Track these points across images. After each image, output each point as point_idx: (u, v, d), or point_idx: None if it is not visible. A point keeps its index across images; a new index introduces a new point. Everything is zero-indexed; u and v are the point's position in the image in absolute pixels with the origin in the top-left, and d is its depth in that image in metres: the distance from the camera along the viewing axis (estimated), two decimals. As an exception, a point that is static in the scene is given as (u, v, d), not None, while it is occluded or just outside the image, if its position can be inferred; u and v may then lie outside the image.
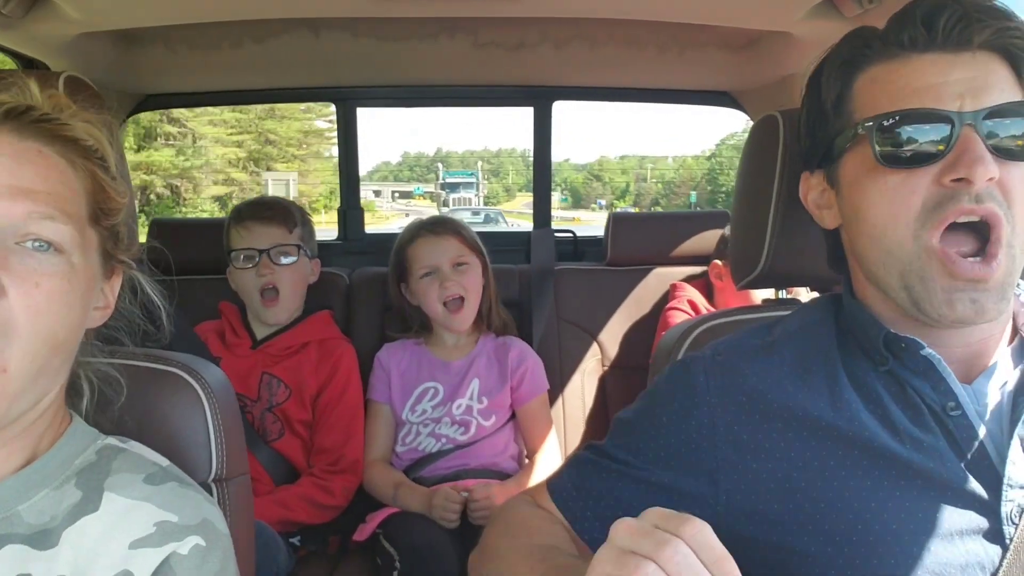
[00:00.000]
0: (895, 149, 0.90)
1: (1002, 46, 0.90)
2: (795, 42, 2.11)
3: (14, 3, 1.73)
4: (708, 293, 2.58)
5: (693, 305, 2.48)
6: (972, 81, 0.89)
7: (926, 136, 0.89)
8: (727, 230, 2.53)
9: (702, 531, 0.70)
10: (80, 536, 0.87)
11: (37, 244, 0.82)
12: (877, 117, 0.92)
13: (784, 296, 1.52)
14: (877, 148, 0.91)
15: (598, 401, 2.62)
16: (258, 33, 2.48)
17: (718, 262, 2.53)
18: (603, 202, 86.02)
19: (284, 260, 2.26)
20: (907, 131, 0.89)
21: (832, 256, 1.09)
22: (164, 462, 0.97)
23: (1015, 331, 0.99)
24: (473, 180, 55.91)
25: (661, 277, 2.70)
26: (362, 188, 3.17)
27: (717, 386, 1.03)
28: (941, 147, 0.88)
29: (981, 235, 0.89)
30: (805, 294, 1.98)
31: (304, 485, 2.14)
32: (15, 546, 0.85)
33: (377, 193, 69.93)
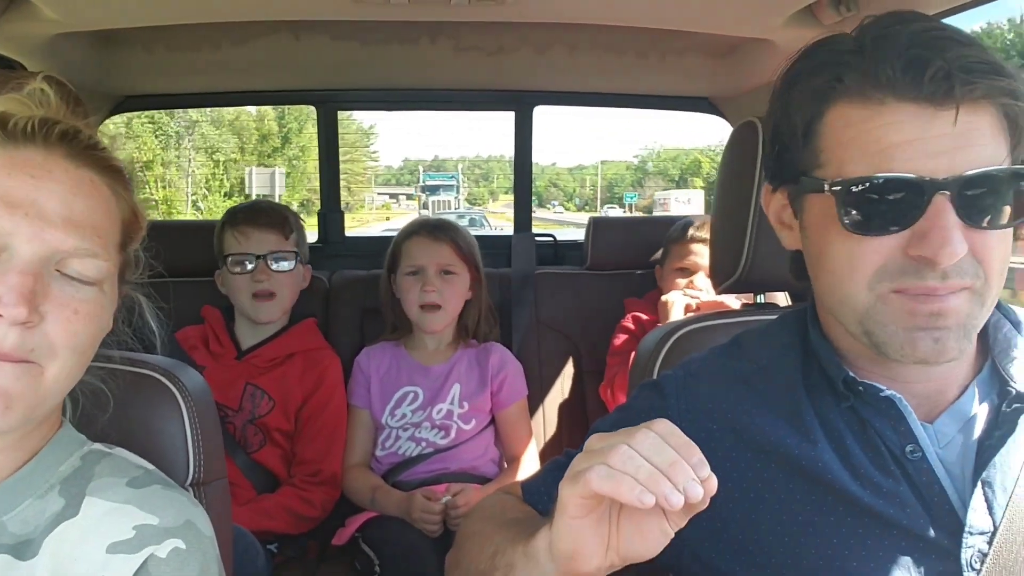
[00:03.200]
0: (862, 219, 0.86)
1: (990, 102, 0.84)
2: (775, 49, 2.13)
3: None
4: None
5: (638, 320, 2.48)
6: (953, 140, 0.82)
7: (895, 205, 0.84)
8: (672, 233, 2.51)
9: (668, 424, 0.77)
10: (59, 543, 0.86)
11: (78, 278, 0.84)
12: (846, 182, 0.86)
13: (762, 301, 1.52)
14: (843, 215, 0.86)
15: (576, 404, 2.62)
16: (238, 35, 2.46)
17: (659, 267, 2.55)
18: (556, 202, 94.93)
19: (281, 266, 2.25)
20: (875, 200, 0.84)
21: (797, 270, 1.05)
22: (149, 466, 0.97)
23: (983, 360, 0.96)
24: (453, 183, 55.87)
25: (641, 281, 2.71)
26: (377, 193, 3.16)
27: (688, 411, 1.04)
28: (912, 216, 0.84)
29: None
30: (783, 299, 2.00)
31: (284, 495, 2.12)
32: None
33: (393, 197, 72.19)
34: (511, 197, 3.31)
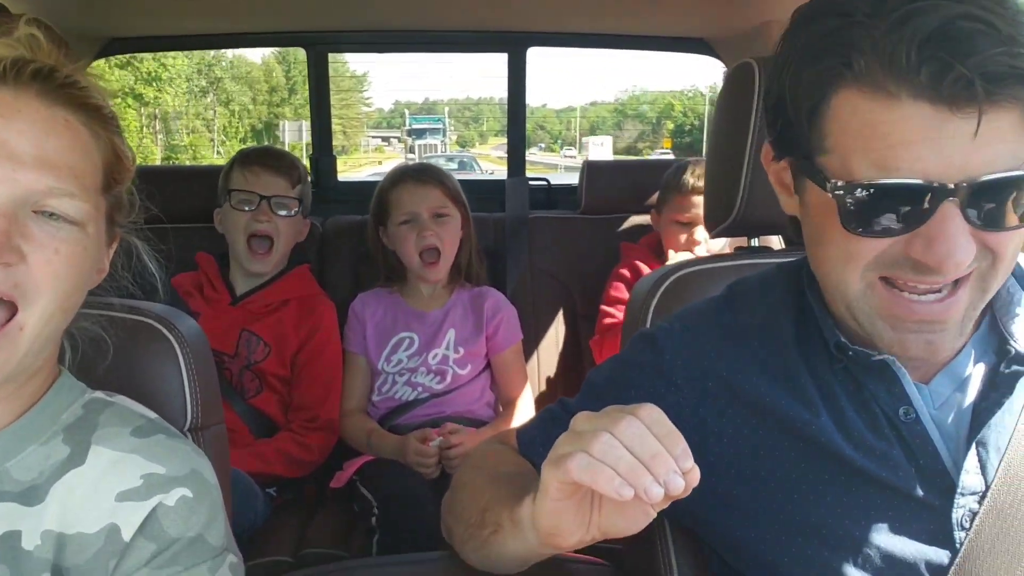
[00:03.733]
0: (863, 222, 0.81)
1: (1012, 101, 0.75)
2: (771, -12, 2.09)
3: None
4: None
5: (635, 270, 2.47)
6: (968, 140, 0.75)
7: (899, 210, 0.79)
8: (668, 177, 2.48)
9: (654, 411, 0.76)
10: (67, 491, 0.87)
11: (56, 217, 0.83)
12: (848, 187, 0.80)
13: (756, 244, 1.52)
14: (844, 217, 0.82)
15: (570, 349, 2.64)
16: None
17: (655, 212, 2.52)
18: (543, 145, 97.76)
19: (282, 212, 2.25)
20: (879, 205, 0.80)
21: (794, 229, 1.00)
22: (152, 415, 0.97)
23: (981, 317, 0.93)
24: (439, 126, 55.26)
25: (636, 225, 2.70)
26: (371, 136, 3.14)
27: (683, 368, 1.03)
28: (916, 220, 0.79)
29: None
30: (777, 242, 2.00)
31: (281, 439, 2.14)
32: (4, 504, 0.85)
33: (385, 139, 73.14)
34: (501, 140, 3.29)
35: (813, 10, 0.85)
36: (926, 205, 0.77)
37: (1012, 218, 0.79)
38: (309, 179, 2.43)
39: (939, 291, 0.83)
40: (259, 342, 2.22)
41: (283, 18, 2.76)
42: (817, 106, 0.84)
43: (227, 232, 2.28)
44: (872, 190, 0.79)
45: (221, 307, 2.25)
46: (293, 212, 2.28)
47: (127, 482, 0.88)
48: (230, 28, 2.83)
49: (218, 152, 37.70)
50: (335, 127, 3.18)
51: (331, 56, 3.05)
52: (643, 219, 2.70)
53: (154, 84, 36.01)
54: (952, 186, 0.76)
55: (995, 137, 0.75)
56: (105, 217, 0.93)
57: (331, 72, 3.11)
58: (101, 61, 2.86)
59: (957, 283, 0.82)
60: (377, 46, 3.07)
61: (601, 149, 50.43)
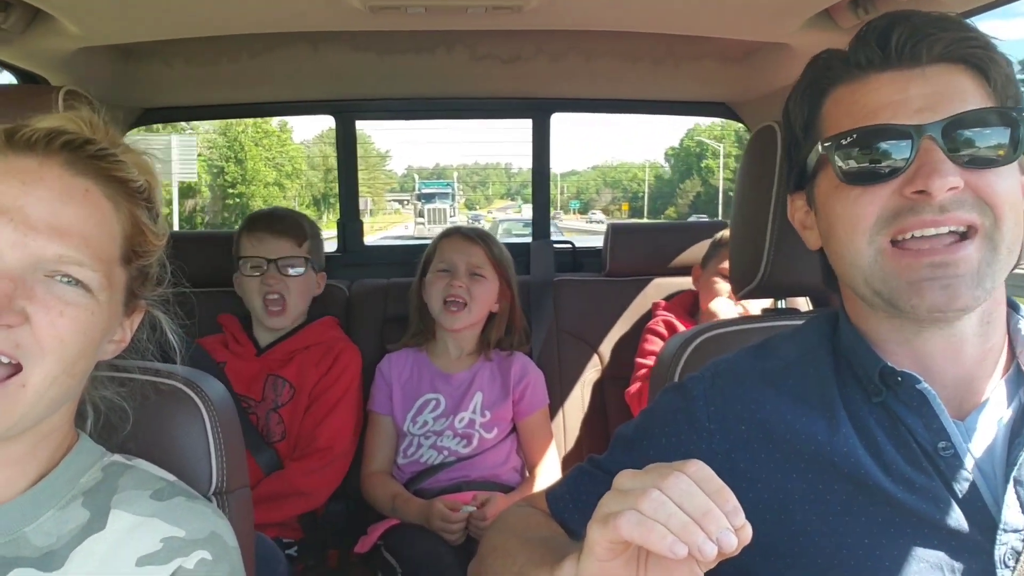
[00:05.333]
0: (855, 166, 0.90)
1: (960, 56, 0.90)
2: (792, 53, 2.12)
3: (14, 18, 1.74)
4: (696, 304, 2.58)
5: (670, 326, 2.47)
6: (930, 96, 0.88)
7: (886, 152, 0.88)
8: (718, 236, 2.54)
9: (702, 467, 0.74)
10: (87, 556, 0.87)
11: (66, 280, 0.84)
12: (835, 136, 0.92)
13: (782, 306, 1.51)
14: (838, 166, 0.92)
15: (597, 411, 2.61)
16: (256, 47, 2.49)
17: (699, 267, 2.55)
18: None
19: (291, 271, 2.28)
20: (866, 147, 0.90)
21: (826, 274, 1.07)
22: (171, 477, 0.97)
23: (1011, 359, 0.96)
24: (448, 191, 55.46)
25: (660, 287, 2.70)
26: (388, 200, 3.19)
27: (717, 413, 1.03)
28: (902, 162, 0.87)
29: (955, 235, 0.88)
30: (804, 304, 1.99)
31: (284, 473, 2.15)
32: (23, 570, 0.85)
33: (400, 202, 79.09)
34: (504, 202, 3.33)
35: (805, 67, 1.02)
36: (908, 149, 0.87)
37: (991, 156, 0.88)
38: (319, 232, 2.46)
39: (945, 236, 0.87)
40: (284, 384, 2.25)
41: (312, 87, 2.83)
42: (811, 117, 0.99)
43: (244, 296, 2.33)
44: (855, 134, 0.90)
45: (247, 358, 2.28)
46: (303, 270, 2.31)
47: (147, 546, 0.88)
48: (260, 98, 2.90)
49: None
50: (365, 193, 3.24)
51: (359, 135, 3.11)
52: (668, 281, 2.70)
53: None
54: (926, 124, 0.87)
55: (956, 93, 0.88)
56: (125, 288, 0.94)
57: (360, 151, 3.16)
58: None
59: (964, 236, 0.87)
60: (405, 113, 3.12)
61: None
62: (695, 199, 77.05)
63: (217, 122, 35.21)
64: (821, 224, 1.00)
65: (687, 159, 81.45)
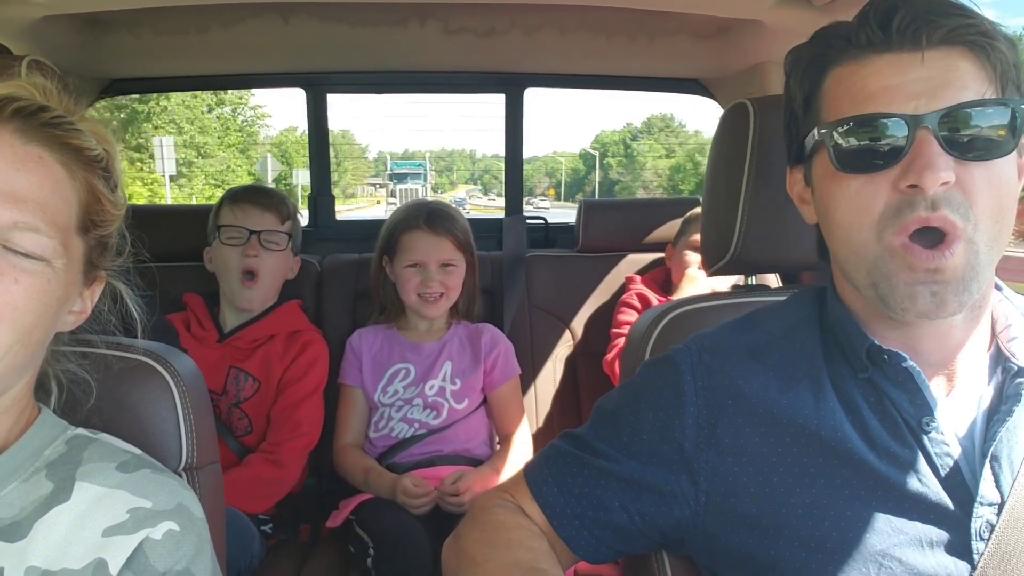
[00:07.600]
0: (851, 155, 0.91)
1: (962, 41, 0.89)
2: (765, 30, 2.12)
3: None
4: (668, 279, 2.60)
5: (643, 298, 2.50)
6: (929, 81, 0.87)
7: (882, 141, 0.88)
8: (690, 213, 2.57)
9: None
10: (51, 527, 0.86)
11: (20, 248, 0.83)
12: (832, 124, 0.92)
13: (753, 283, 1.53)
14: (834, 154, 0.92)
15: (569, 386, 2.63)
16: (225, 18, 2.44)
17: (671, 245, 2.58)
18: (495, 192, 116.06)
19: (271, 246, 2.26)
20: (862, 136, 0.90)
21: (819, 248, 1.08)
22: (136, 451, 0.97)
23: (993, 337, 0.99)
24: (420, 171, 55.27)
25: (632, 263, 2.72)
26: (367, 182, 3.16)
27: (703, 387, 1.03)
28: (898, 153, 0.88)
29: (941, 234, 0.88)
30: (774, 280, 2.01)
31: (251, 463, 2.12)
32: None
33: (374, 185, 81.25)
34: (468, 185, 3.33)
35: (807, 42, 1.00)
36: (905, 138, 0.87)
37: (986, 150, 0.88)
38: (299, 216, 2.44)
39: (936, 232, 0.88)
40: (247, 378, 2.21)
41: (283, 60, 2.79)
42: (811, 93, 0.98)
43: (218, 268, 2.29)
44: (851, 122, 0.90)
45: (209, 344, 2.24)
46: (283, 247, 2.29)
47: (113, 517, 0.88)
48: (229, 69, 2.86)
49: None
50: (350, 179, 3.22)
51: (341, 132, 3.08)
52: (640, 257, 2.72)
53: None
54: (923, 114, 0.87)
55: (956, 79, 0.88)
56: (83, 258, 0.93)
57: (344, 143, 3.13)
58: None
59: (948, 238, 0.87)
60: (376, 87, 3.09)
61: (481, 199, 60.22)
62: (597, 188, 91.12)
63: (184, 115, 34.55)
64: (818, 204, 1.00)
65: (593, 158, 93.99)
